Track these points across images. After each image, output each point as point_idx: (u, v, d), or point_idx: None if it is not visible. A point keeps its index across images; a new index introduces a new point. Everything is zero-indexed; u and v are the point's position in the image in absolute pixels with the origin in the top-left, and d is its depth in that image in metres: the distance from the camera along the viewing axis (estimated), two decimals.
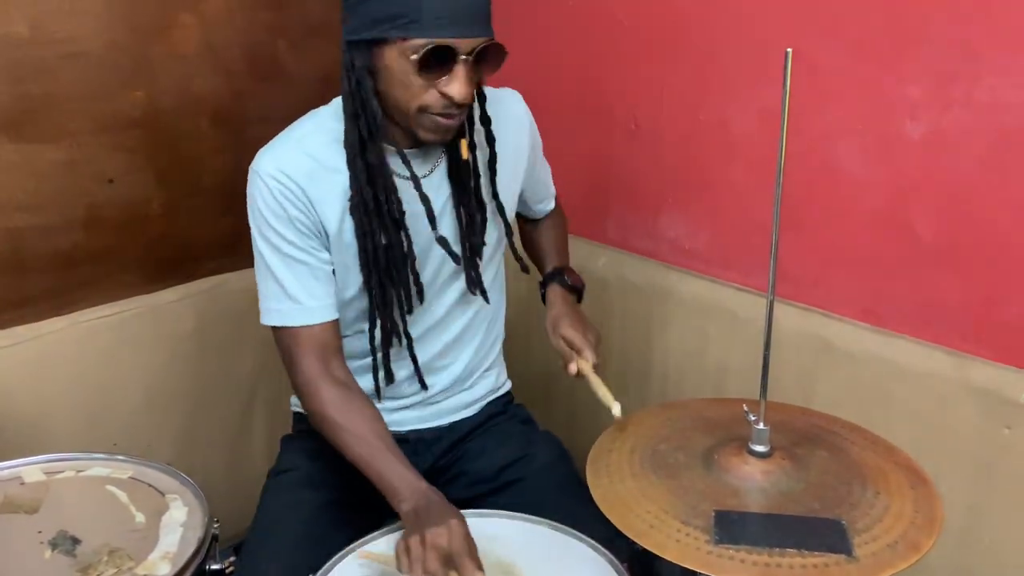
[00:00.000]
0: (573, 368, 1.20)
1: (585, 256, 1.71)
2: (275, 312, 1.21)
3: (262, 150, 1.20)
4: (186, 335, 1.73)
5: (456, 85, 1.08)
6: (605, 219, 1.76)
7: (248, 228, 1.21)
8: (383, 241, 1.17)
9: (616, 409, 1.08)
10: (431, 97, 1.10)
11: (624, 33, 1.65)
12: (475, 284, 1.27)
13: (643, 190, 1.69)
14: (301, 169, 1.17)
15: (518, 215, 1.45)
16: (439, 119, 1.12)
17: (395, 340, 1.25)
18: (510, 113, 1.30)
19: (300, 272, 1.19)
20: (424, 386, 1.31)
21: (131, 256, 1.65)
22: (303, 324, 1.19)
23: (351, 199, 1.17)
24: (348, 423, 1.16)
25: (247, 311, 1.81)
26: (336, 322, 1.22)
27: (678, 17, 1.56)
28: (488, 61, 1.11)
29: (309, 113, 1.25)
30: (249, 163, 1.22)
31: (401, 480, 1.10)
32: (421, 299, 1.24)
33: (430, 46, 1.05)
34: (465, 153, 1.19)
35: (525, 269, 1.36)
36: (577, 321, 1.26)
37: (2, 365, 1.51)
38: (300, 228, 1.18)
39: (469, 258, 1.26)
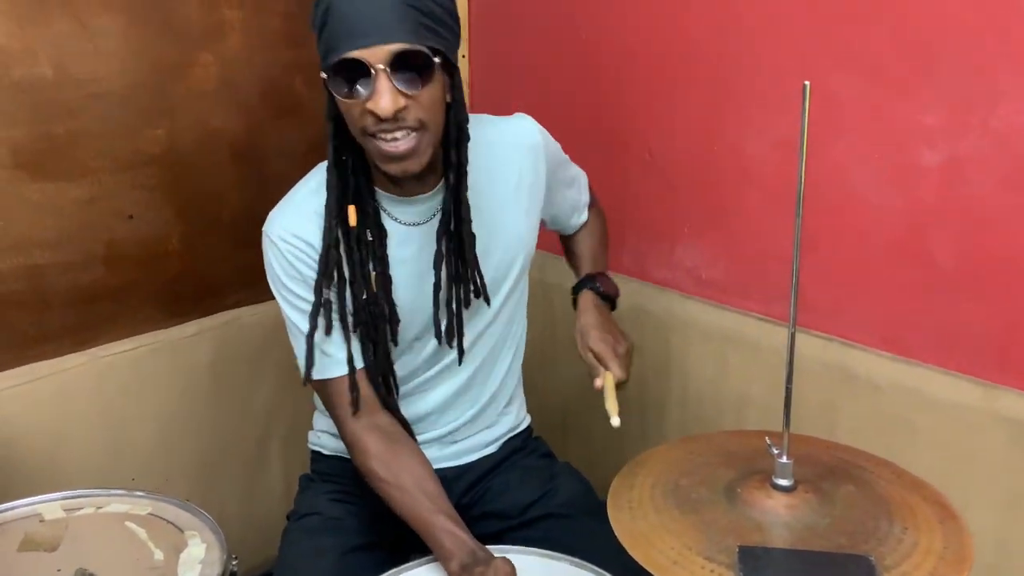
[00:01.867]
0: (599, 383, 1.16)
1: None
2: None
3: (272, 212, 1.20)
4: (203, 369, 1.73)
5: (376, 99, 1.03)
6: (621, 249, 1.76)
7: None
8: (364, 296, 1.16)
9: (615, 420, 1.07)
10: (365, 119, 1.05)
11: (637, 63, 1.66)
12: (450, 337, 1.22)
13: (659, 220, 1.68)
14: (310, 228, 1.16)
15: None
16: (381, 145, 1.07)
17: (387, 384, 1.23)
18: (517, 142, 1.26)
19: (324, 326, 1.18)
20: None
21: (150, 291, 1.67)
22: (339, 375, 1.19)
23: (323, 247, 1.14)
24: (393, 477, 1.15)
25: (264, 345, 1.83)
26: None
27: (691, 47, 1.56)
28: (413, 69, 1.04)
29: (314, 168, 1.23)
30: (267, 198, 1.23)
31: (448, 536, 1.09)
32: (396, 342, 1.21)
33: (337, 61, 1.03)
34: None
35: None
36: (607, 332, 1.22)
37: (23, 400, 1.52)
38: (314, 286, 1.16)
39: (455, 315, 1.21)
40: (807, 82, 0.84)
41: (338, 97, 1.06)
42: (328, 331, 1.18)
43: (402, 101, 1.04)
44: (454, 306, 1.21)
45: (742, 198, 1.55)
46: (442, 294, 1.20)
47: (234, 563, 1.14)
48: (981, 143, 1.24)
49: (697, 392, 1.65)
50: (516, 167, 1.25)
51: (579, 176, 1.42)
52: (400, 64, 1.03)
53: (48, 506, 1.27)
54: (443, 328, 1.22)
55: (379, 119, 1.05)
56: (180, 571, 1.12)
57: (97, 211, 1.56)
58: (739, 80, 1.51)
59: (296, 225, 1.17)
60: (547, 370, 1.84)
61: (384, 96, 1.03)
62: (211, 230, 1.72)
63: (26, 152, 1.47)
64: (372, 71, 1.02)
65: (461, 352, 1.25)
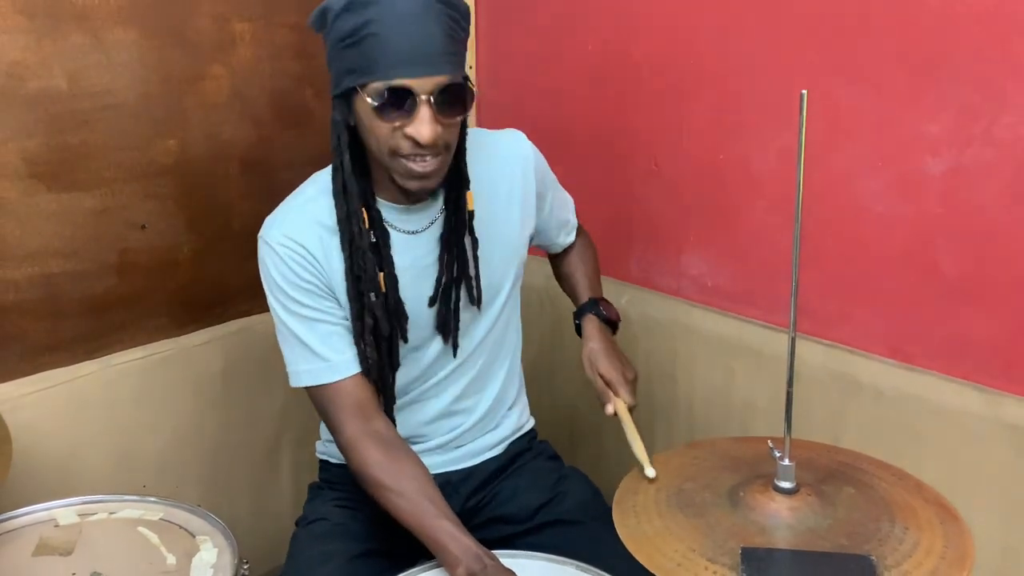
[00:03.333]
0: (610, 409, 1.19)
1: (608, 294, 1.71)
2: (304, 373, 1.21)
3: (269, 218, 1.22)
4: (214, 377, 1.75)
5: (419, 126, 1.07)
6: (628, 257, 1.77)
7: None
8: (372, 295, 1.18)
9: (650, 472, 1.04)
10: (399, 141, 1.10)
11: (643, 74, 1.68)
12: (449, 336, 1.26)
13: (665, 228, 1.70)
14: (308, 233, 1.19)
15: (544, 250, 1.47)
16: (410, 165, 1.11)
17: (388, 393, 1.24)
18: (510, 154, 1.30)
19: (321, 330, 1.20)
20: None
21: (161, 300, 1.69)
22: (334, 380, 1.20)
23: (347, 249, 1.17)
24: (394, 484, 1.15)
25: (274, 353, 1.83)
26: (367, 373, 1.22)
27: (696, 58, 1.58)
28: (454, 102, 1.10)
29: (311, 177, 1.26)
30: (276, 208, 1.25)
31: (453, 541, 1.09)
32: (405, 339, 1.23)
33: (385, 88, 1.06)
34: (471, 204, 1.20)
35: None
36: (615, 358, 1.25)
37: (37, 407, 1.53)
38: (312, 291, 1.19)
39: (452, 312, 1.24)
40: (804, 91, 0.86)
41: (370, 116, 1.09)
42: (328, 336, 1.19)
43: (439, 129, 1.09)
44: (452, 303, 1.24)
45: (747, 207, 1.56)
46: (440, 294, 1.23)
47: (245, 567, 1.15)
48: (985, 152, 1.25)
49: (703, 399, 1.66)
50: (510, 178, 1.29)
51: (567, 199, 1.45)
52: (443, 95, 1.08)
53: (63, 511, 1.29)
54: (440, 324, 1.24)
55: (416, 144, 1.09)
56: (192, 575, 1.13)
57: (110, 221, 1.59)
58: (744, 90, 1.52)
59: (295, 231, 1.19)
60: (554, 376, 1.86)
61: (427, 125, 1.08)
62: (222, 239, 1.74)
63: (41, 162, 1.49)
64: (417, 100, 1.07)
65: (455, 346, 1.27)
